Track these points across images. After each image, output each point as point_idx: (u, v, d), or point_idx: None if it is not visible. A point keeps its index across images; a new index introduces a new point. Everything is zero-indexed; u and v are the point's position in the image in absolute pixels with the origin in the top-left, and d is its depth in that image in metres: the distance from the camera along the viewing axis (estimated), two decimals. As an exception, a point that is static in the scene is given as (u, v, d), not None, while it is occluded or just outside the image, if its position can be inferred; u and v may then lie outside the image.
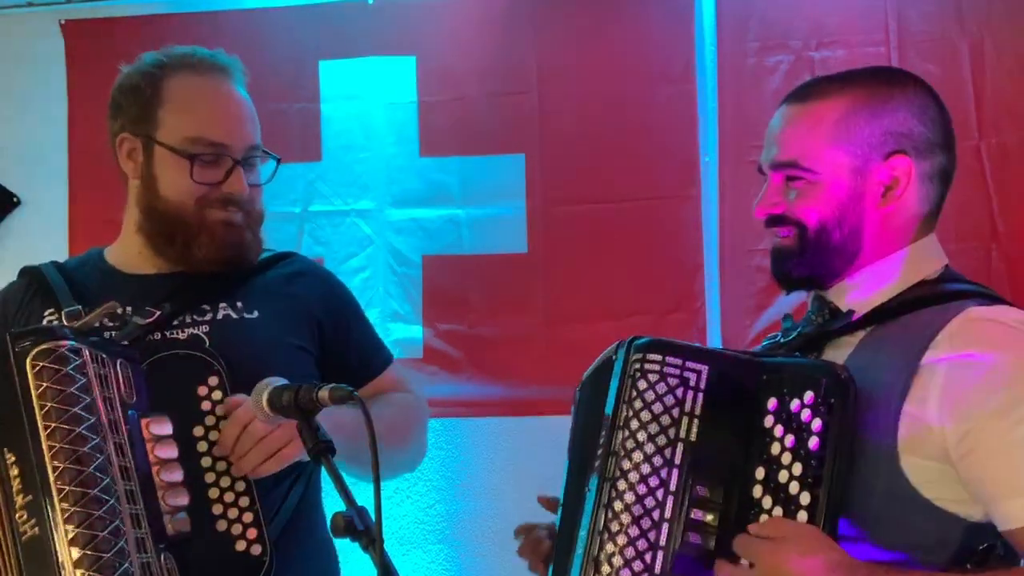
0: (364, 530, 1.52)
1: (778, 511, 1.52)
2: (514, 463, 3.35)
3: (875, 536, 1.54)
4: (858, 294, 1.67)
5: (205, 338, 1.96)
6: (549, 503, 1.82)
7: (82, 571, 1.61)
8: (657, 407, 1.57)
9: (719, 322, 3.25)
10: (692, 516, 1.54)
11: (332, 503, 1.68)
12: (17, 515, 1.64)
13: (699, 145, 3.27)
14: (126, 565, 1.63)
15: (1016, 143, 3.06)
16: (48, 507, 1.63)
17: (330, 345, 2.09)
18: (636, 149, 3.30)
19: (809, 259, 1.67)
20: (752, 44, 3.24)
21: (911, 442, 1.53)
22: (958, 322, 1.56)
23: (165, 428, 1.82)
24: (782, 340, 1.74)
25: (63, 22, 3.57)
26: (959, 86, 3.07)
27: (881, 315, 1.64)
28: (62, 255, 2.21)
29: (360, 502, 1.56)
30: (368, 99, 3.45)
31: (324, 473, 1.68)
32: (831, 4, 3.20)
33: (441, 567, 3.40)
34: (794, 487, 1.52)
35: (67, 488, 1.64)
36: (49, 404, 1.67)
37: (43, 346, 1.71)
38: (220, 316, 2.00)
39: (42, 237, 3.47)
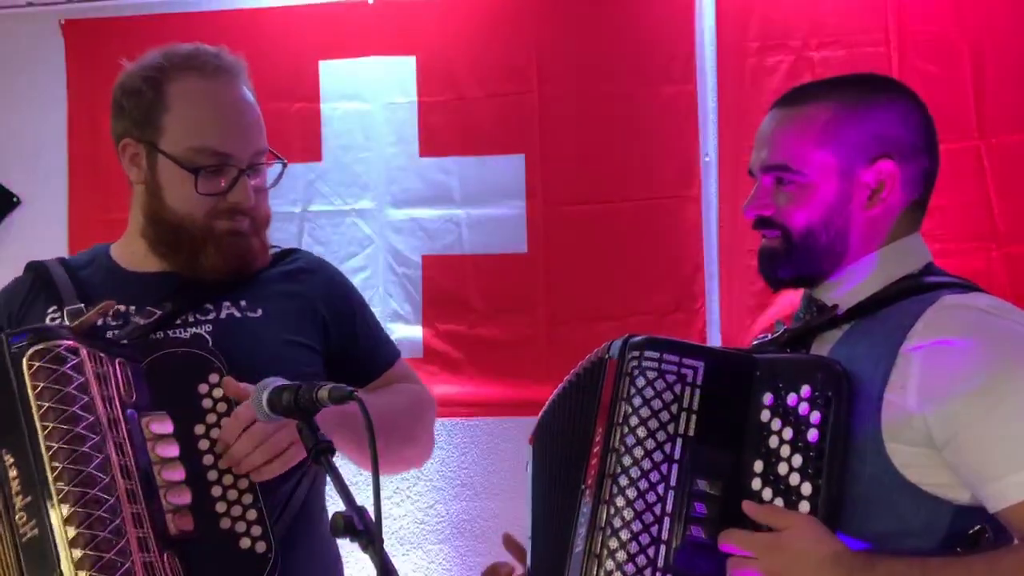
0: (364, 530, 1.52)
1: (779, 502, 1.55)
2: (514, 463, 3.34)
3: (863, 521, 1.56)
4: (843, 290, 1.71)
5: (208, 337, 1.95)
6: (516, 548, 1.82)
7: (84, 572, 1.60)
8: (656, 403, 1.60)
9: (719, 322, 3.25)
10: (693, 510, 1.57)
11: (332, 503, 1.68)
12: (17, 516, 1.64)
13: (699, 145, 3.28)
14: (128, 565, 1.62)
15: (1016, 143, 3.06)
16: (48, 508, 1.62)
17: (337, 341, 2.08)
18: (636, 149, 3.30)
19: (796, 261, 1.71)
20: (752, 44, 3.24)
21: (893, 429, 1.56)
22: (932, 311, 1.59)
23: (165, 427, 1.80)
24: (771, 337, 1.77)
25: (63, 22, 3.58)
26: (959, 86, 3.07)
27: (863, 309, 1.67)
28: (62, 255, 2.20)
29: (360, 502, 1.56)
30: (368, 99, 3.45)
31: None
32: (831, 4, 3.20)
33: (441, 567, 3.40)
34: (794, 478, 1.55)
35: (67, 488, 1.62)
36: (46, 404, 1.66)
37: (39, 346, 1.69)
38: (224, 315, 1.99)
39: (42, 237, 3.47)
